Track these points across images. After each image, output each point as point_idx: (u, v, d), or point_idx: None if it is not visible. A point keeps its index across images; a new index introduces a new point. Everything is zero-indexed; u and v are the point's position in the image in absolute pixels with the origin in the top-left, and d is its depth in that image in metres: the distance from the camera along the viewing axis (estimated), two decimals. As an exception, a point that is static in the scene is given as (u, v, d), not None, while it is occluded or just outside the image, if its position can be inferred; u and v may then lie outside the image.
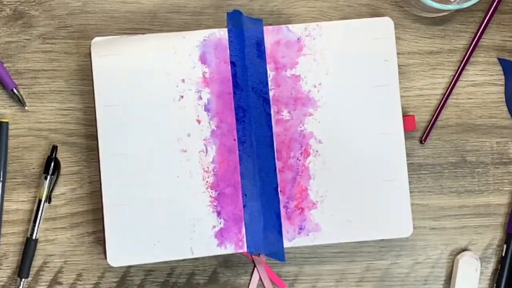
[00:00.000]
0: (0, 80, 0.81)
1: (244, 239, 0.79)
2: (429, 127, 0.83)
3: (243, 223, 0.80)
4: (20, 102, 0.81)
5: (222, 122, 0.80)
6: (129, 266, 0.82)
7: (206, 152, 0.80)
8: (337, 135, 0.80)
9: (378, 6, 0.83)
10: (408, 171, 0.82)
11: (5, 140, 0.81)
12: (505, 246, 0.83)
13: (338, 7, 0.83)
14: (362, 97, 0.80)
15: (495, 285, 0.84)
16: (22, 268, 0.81)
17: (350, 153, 0.80)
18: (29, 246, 0.81)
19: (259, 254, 0.82)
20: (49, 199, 0.81)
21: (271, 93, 0.80)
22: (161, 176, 0.79)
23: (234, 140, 0.80)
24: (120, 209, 0.78)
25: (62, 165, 0.82)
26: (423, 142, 0.84)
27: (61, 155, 0.82)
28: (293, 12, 0.83)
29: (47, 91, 0.82)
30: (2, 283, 0.82)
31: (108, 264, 0.77)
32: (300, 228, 0.80)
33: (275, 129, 0.80)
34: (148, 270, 0.83)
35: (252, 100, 0.80)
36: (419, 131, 0.84)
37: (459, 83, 0.84)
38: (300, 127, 0.80)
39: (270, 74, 0.80)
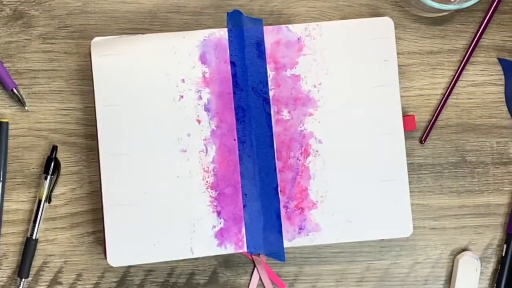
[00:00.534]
0: (0, 80, 0.81)
1: (244, 239, 0.79)
2: (429, 127, 0.83)
3: (243, 223, 0.80)
4: (20, 102, 0.81)
5: (222, 122, 0.80)
6: (129, 266, 0.82)
7: (206, 152, 0.80)
8: (337, 135, 0.80)
9: (378, 6, 0.83)
10: (408, 171, 0.82)
11: (5, 140, 0.81)
12: (505, 246, 0.83)
13: (338, 7, 0.83)
14: (362, 97, 0.80)
15: (495, 285, 0.84)
16: (22, 268, 0.81)
17: (350, 153, 0.80)
18: (29, 246, 0.81)
19: (259, 254, 0.82)
20: (49, 199, 0.81)
21: (271, 93, 0.80)
22: (161, 176, 0.79)
23: (234, 140, 0.80)
24: (120, 209, 0.78)
25: (62, 165, 0.82)
26: (423, 142, 0.84)
27: (61, 155, 0.82)
28: (293, 12, 0.83)
29: (47, 91, 0.82)
30: (2, 283, 0.82)
31: (108, 264, 0.77)
32: (300, 228, 0.80)
33: (275, 129, 0.80)
34: (148, 270, 0.83)
35: (252, 100, 0.80)
36: (419, 131, 0.84)
37: (459, 83, 0.84)
38: (300, 127, 0.80)
39: (270, 74, 0.80)
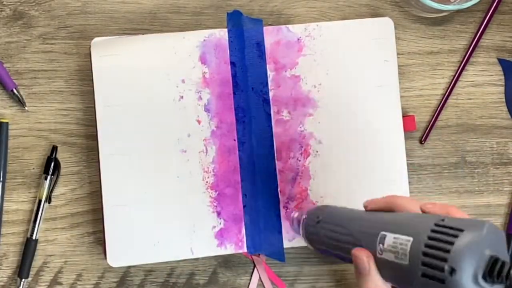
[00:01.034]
0: (0, 80, 0.81)
1: (244, 239, 0.79)
2: (429, 127, 0.83)
3: (243, 223, 0.80)
4: (20, 102, 0.81)
5: (222, 122, 0.80)
6: (129, 266, 0.82)
7: (206, 152, 0.80)
8: (337, 136, 0.80)
9: (378, 6, 0.83)
10: (408, 171, 0.82)
11: (5, 140, 0.81)
12: (505, 246, 0.83)
13: (338, 7, 0.83)
14: (362, 97, 0.80)
15: (495, 285, 0.83)
16: (22, 268, 0.81)
17: (350, 154, 0.80)
18: (29, 246, 0.81)
19: (259, 254, 0.82)
20: (49, 199, 0.81)
21: (271, 94, 0.80)
22: (161, 176, 0.79)
23: (234, 140, 0.80)
24: (120, 209, 0.78)
25: (62, 165, 0.82)
26: (423, 142, 0.84)
27: (61, 155, 0.82)
28: (293, 12, 0.83)
29: (47, 91, 0.82)
30: (2, 283, 0.82)
31: (108, 264, 0.78)
32: (300, 228, 0.80)
33: (275, 129, 0.80)
34: (148, 270, 0.83)
35: (252, 100, 0.80)
36: (419, 131, 0.84)
37: (459, 83, 0.84)
38: (300, 127, 0.80)
39: (270, 74, 0.80)
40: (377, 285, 0.58)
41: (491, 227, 0.51)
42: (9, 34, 0.82)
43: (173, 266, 0.82)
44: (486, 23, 0.83)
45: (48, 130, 0.82)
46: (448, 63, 0.84)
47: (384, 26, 0.81)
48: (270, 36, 0.80)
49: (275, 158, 0.80)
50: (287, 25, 0.80)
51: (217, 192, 0.80)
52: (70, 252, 0.82)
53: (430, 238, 0.52)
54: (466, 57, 0.83)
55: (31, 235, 0.81)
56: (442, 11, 0.80)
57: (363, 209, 0.65)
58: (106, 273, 0.83)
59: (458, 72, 0.83)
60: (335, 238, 0.65)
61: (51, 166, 0.81)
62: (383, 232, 0.57)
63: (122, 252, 0.78)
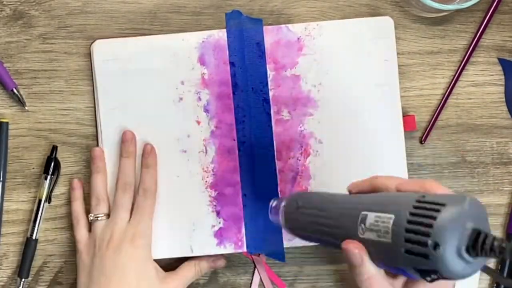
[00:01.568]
0: (0, 80, 0.81)
1: (244, 239, 0.80)
2: (429, 127, 0.83)
3: (243, 223, 0.80)
4: (20, 102, 0.81)
5: (221, 122, 0.80)
6: (129, 266, 0.82)
7: (206, 153, 0.80)
8: (337, 135, 0.80)
9: (378, 6, 0.83)
10: (408, 171, 0.82)
11: (5, 140, 0.81)
12: (505, 246, 0.83)
13: (338, 7, 0.83)
14: (362, 97, 0.80)
15: (495, 285, 0.83)
16: (22, 268, 0.81)
17: (350, 153, 0.80)
18: (29, 246, 0.81)
19: (259, 254, 0.82)
20: (49, 199, 0.81)
21: (271, 93, 0.80)
22: (161, 176, 0.79)
23: (234, 140, 0.80)
24: (120, 209, 0.78)
25: (62, 165, 0.82)
26: (423, 142, 0.84)
27: (61, 155, 0.82)
28: (293, 12, 0.83)
29: (47, 91, 0.82)
30: (2, 283, 0.82)
31: (108, 264, 0.78)
32: (300, 228, 0.80)
33: (275, 129, 0.80)
34: (148, 270, 0.83)
35: (252, 100, 0.80)
36: (419, 131, 0.84)
37: (459, 83, 0.84)
38: (300, 127, 0.80)
39: (270, 74, 0.80)
40: (370, 275, 0.58)
41: (472, 201, 0.52)
42: (9, 34, 0.82)
43: (173, 266, 0.82)
44: (486, 23, 0.83)
45: (48, 130, 0.82)
46: (448, 63, 0.84)
47: (384, 25, 0.80)
48: (270, 35, 0.80)
49: (275, 158, 0.80)
50: (287, 25, 0.80)
51: (216, 192, 0.80)
52: (70, 252, 0.82)
53: (412, 214, 0.53)
54: (466, 57, 0.83)
55: (31, 235, 0.81)
56: (442, 11, 0.80)
57: (346, 193, 0.65)
58: (106, 273, 0.83)
59: (458, 72, 0.83)
60: (316, 222, 0.65)
61: (51, 166, 0.81)
62: (364, 212, 0.57)
63: (122, 252, 0.78)
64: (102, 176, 0.79)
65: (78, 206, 0.80)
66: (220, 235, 0.79)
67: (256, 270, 0.83)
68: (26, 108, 0.82)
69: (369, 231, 0.56)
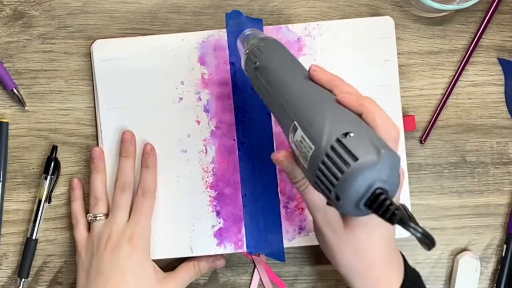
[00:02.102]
0: (0, 80, 0.81)
1: (244, 239, 0.80)
2: (429, 127, 0.83)
3: (243, 223, 0.80)
4: (20, 102, 0.81)
5: (221, 122, 0.80)
6: (129, 266, 0.82)
7: (206, 152, 0.80)
8: (337, 135, 0.80)
9: (378, 6, 0.83)
10: (408, 171, 0.82)
11: (5, 140, 0.81)
12: (505, 246, 0.83)
13: (338, 7, 0.83)
14: (362, 97, 0.80)
15: (495, 285, 0.83)
16: (22, 268, 0.81)
17: (350, 153, 0.80)
18: (29, 246, 0.81)
19: (259, 254, 0.82)
20: (49, 199, 0.81)
21: (271, 93, 0.80)
22: (161, 176, 0.79)
23: (234, 140, 0.80)
24: (120, 209, 0.78)
25: (62, 165, 0.82)
26: (423, 142, 0.84)
27: (61, 155, 0.82)
28: (293, 12, 0.83)
29: (47, 91, 0.82)
30: (2, 283, 0.82)
31: (108, 264, 0.78)
32: (300, 228, 0.80)
33: (275, 129, 0.80)
34: (148, 270, 0.83)
35: (252, 100, 0.80)
36: (419, 131, 0.84)
37: (459, 83, 0.84)
38: (300, 127, 0.80)
39: (270, 74, 0.80)
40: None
41: (387, 157, 0.54)
42: (9, 34, 0.82)
43: (173, 266, 0.82)
44: (486, 23, 0.83)
45: (48, 130, 0.82)
46: (448, 63, 0.84)
47: (384, 25, 0.80)
48: (270, 35, 0.80)
49: (275, 158, 0.80)
50: (287, 25, 0.80)
51: (216, 192, 0.80)
52: (70, 252, 0.82)
53: (327, 155, 0.55)
54: (466, 57, 0.83)
55: (31, 235, 0.81)
56: (442, 11, 0.80)
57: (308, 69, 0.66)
58: (106, 273, 0.83)
59: (458, 72, 0.83)
60: (265, 95, 0.67)
61: (51, 166, 0.81)
62: (296, 123, 0.60)
63: (122, 252, 0.78)
64: (101, 176, 0.79)
65: (77, 206, 0.80)
66: (220, 235, 0.79)
67: (256, 270, 0.83)
68: (26, 108, 0.82)
69: (294, 145, 0.60)
